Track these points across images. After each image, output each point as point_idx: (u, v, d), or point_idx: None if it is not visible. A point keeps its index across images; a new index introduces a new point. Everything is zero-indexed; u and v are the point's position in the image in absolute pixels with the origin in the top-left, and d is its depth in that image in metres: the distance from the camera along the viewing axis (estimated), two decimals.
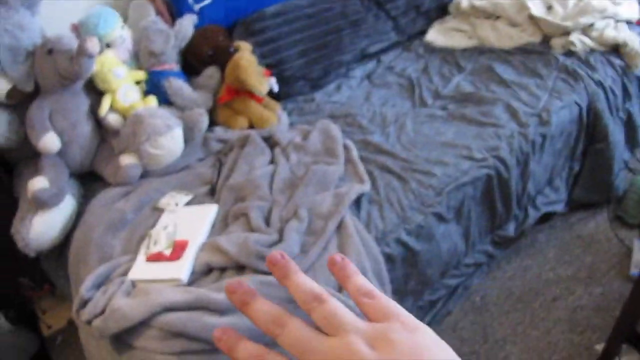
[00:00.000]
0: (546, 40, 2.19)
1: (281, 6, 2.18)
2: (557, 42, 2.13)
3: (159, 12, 2.11)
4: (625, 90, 2.11)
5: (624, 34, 2.09)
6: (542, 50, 2.15)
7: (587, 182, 2.18)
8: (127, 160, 1.78)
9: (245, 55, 1.97)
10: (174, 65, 2.02)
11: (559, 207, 2.14)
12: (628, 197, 2.25)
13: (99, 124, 1.89)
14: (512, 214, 1.95)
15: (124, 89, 1.89)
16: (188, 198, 1.71)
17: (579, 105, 1.98)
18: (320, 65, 2.18)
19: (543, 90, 1.99)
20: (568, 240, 2.19)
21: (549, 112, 1.91)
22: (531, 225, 2.06)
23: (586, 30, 2.12)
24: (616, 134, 2.12)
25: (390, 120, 1.99)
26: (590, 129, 2.05)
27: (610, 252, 2.14)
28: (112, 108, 1.88)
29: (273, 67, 2.09)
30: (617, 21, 2.16)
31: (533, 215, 2.04)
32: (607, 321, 1.92)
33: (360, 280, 0.41)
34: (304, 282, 0.40)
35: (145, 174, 1.81)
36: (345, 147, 1.83)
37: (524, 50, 2.18)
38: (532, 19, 2.20)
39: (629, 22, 2.19)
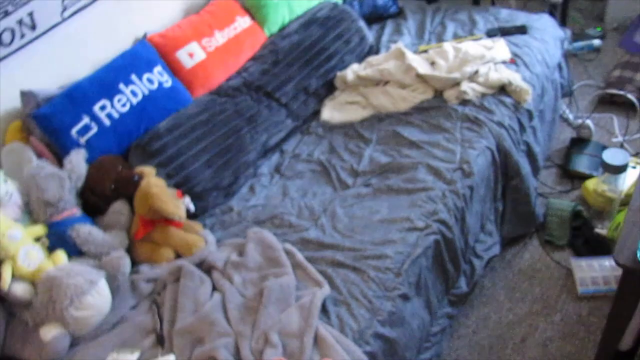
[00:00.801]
0: (439, 94, 2.26)
1: (173, 120, 2.08)
2: (450, 94, 2.21)
3: (39, 154, 1.92)
4: (520, 124, 2.22)
5: (505, 74, 2.22)
6: (439, 104, 2.22)
7: (512, 218, 2.25)
8: (50, 332, 1.57)
9: (152, 180, 1.85)
10: (75, 210, 1.84)
11: (497, 250, 2.18)
12: (549, 221, 2.35)
13: (1, 299, 1.65)
14: (460, 270, 1.96)
15: (24, 251, 1.67)
16: (135, 356, 1.53)
17: (489, 149, 2.05)
18: (228, 171, 2.09)
19: (454, 143, 2.04)
20: (512, 278, 2.23)
21: (469, 163, 1.95)
22: (481, 274, 2.07)
23: (472, 77, 2.22)
24: (525, 166, 2.21)
25: (318, 210, 1.93)
26: (503, 168, 2.13)
27: (553, 277, 2.20)
28: (15, 276, 1.65)
29: (182, 185, 1.97)
30: (496, 64, 2.28)
31: (479, 264, 2.06)
32: (578, 346, 1.97)
33: None
34: None
35: (75, 342, 1.60)
36: (287, 252, 1.74)
37: (422, 109, 2.23)
38: (420, 77, 2.27)
39: (504, 63, 2.32)
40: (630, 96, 2.80)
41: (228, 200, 2.10)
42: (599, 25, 3.54)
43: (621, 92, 2.84)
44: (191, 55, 2.26)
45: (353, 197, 1.96)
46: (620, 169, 2.22)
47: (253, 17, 2.51)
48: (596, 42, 3.34)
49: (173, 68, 2.23)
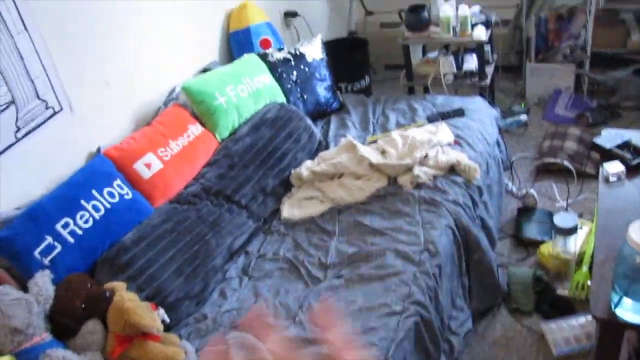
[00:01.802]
0: (393, 181, 2.38)
1: (138, 231, 2.09)
2: (404, 180, 2.33)
3: (0, 280, 1.88)
4: (473, 200, 2.35)
5: (453, 155, 2.38)
6: (395, 191, 2.33)
7: (479, 291, 2.33)
8: None
9: (125, 295, 1.83)
10: (45, 335, 1.78)
11: (470, 324, 2.25)
12: (513, 290, 2.46)
13: None
14: (441, 349, 2.00)
15: None
16: None
17: (450, 227, 2.16)
18: (198, 278, 2.09)
19: (416, 226, 2.14)
20: (488, 350, 2.28)
21: (433, 243, 2.04)
22: (460, 351, 2.12)
23: (423, 161, 2.36)
24: (483, 240, 2.32)
25: (294, 308, 1.95)
26: (464, 244, 2.23)
27: (527, 343, 2.28)
28: None
29: (154, 297, 1.96)
30: (442, 146, 2.44)
31: (457, 341, 2.11)
32: None
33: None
34: None
35: None
36: (272, 351, 1.73)
37: (379, 197, 2.34)
38: (373, 166, 2.39)
39: (449, 144, 2.49)
40: (566, 163, 3.02)
41: (200, 307, 2.09)
42: (522, 102, 3.84)
43: (558, 160, 3.06)
44: (148, 165, 2.30)
45: (327, 290, 2.00)
46: (571, 231, 2.38)
47: (204, 124, 2.59)
48: (523, 117, 3.61)
49: (132, 180, 2.26)
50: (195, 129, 2.56)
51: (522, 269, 2.54)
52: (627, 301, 1.45)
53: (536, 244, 2.68)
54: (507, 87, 4.10)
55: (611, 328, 1.53)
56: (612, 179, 1.97)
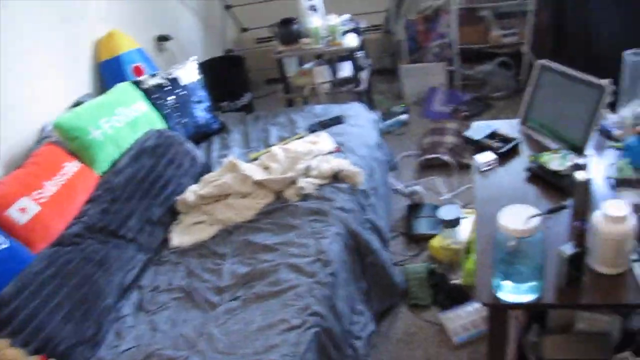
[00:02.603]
0: (279, 195, 2.41)
1: (17, 282, 1.99)
2: (290, 193, 2.37)
3: None
4: (360, 205, 2.42)
5: (335, 163, 2.44)
6: (282, 205, 2.36)
7: (377, 293, 2.40)
8: None
9: (8, 353, 1.74)
10: None
11: (372, 327, 2.31)
12: (410, 286, 2.55)
13: None
14: (345, 355, 2.04)
15: None
16: None
17: (339, 234, 2.22)
18: (89, 321, 2.02)
19: (306, 238, 2.18)
20: (393, 349, 2.35)
21: (325, 252, 2.09)
22: (365, 354, 2.17)
23: (306, 173, 2.41)
24: (375, 242, 2.40)
25: (193, 337, 1.93)
26: (356, 249, 2.30)
27: (429, 336, 2.37)
28: None
29: (43, 349, 1.87)
30: (324, 155, 2.50)
31: (360, 345, 2.16)
32: None
33: None
34: None
35: None
36: None
37: (267, 213, 2.36)
38: (258, 183, 2.41)
39: (331, 153, 2.55)
40: (444, 157, 3.18)
41: (96, 351, 2.02)
42: (401, 102, 4.00)
43: (436, 156, 3.21)
44: (23, 210, 2.20)
45: (224, 314, 1.99)
46: (456, 222, 2.50)
47: (81, 160, 2.51)
48: (403, 117, 3.77)
49: (6, 227, 2.15)
50: (72, 166, 2.48)
51: (417, 265, 2.64)
52: (507, 284, 1.54)
53: (428, 238, 2.79)
54: (385, 90, 4.26)
55: (497, 311, 1.63)
56: (484, 168, 2.09)
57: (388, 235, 2.67)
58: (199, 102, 3.08)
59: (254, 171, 2.48)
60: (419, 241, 2.83)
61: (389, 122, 3.72)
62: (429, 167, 3.31)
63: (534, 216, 1.44)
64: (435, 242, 2.69)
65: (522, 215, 1.46)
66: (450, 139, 3.37)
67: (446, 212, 2.49)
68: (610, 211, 1.50)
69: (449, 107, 3.89)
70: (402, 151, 3.52)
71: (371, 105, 3.69)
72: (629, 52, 2.14)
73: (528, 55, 3.96)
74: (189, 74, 3.09)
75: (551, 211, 1.75)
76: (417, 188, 3.01)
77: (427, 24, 4.20)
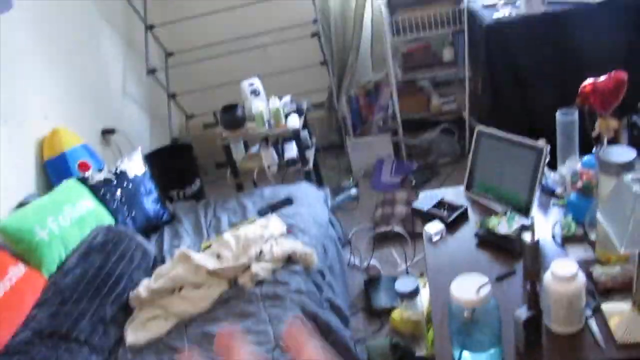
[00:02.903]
0: (234, 283, 2.39)
1: None
2: (244, 280, 2.36)
3: None
4: (316, 285, 2.42)
5: (287, 245, 2.46)
6: (237, 293, 2.34)
7: None
8: None
9: None
10: None
11: None
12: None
13: None
14: None
15: None
16: None
17: (298, 318, 2.20)
18: None
19: (264, 324, 2.16)
20: None
21: (283, 338, 2.06)
22: None
23: (259, 258, 2.41)
24: (334, 322, 2.39)
25: None
26: (316, 330, 2.27)
27: None
28: None
29: None
30: (276, 239, 2.51)
31: None
32: None
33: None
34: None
35: None
36: None
37: (223, 302, 2.34)
38: (212, 273, 2.40)
39: (282, 235, 2.57)
40: (397, 229, 3.23)
41: None
42: (350, 177, 4.08)
43: (389, 228, 3.26)
44: None
45: None
46: (413, 294, 2.52)
47: (27, 263, 2.46)
48: (353, 191, 3.83)
49: None
50: (18, 270, 2.42)
51: (379, 340, 2.63)
52: (466, 354, 1.55)
53: (388, 311, 2.79)
54: (334, 165, 4.34)
55: None
56: (434, 238, 2.13)
57: (347, 312, 2.67)
58: (148, 193, 3.08)
59: (206, 260, 2.46)
60: (380, 315, 2.83)
61: (339, 197, 3.77)
62: (383, 239, 3.34)
63: (484, 285, 1.47)
64: (396, 315, 2.69)
65: (473, 284, 1.49)
66: (401, 210, 3.43)
67: (403, 284, 2.51)
68: (559, 271, 1.55)
69: (398, 177, 3.98)
70: (355, 225, 3.56)
71: (320, 182, 3.75)
72: (559, 111, 2.25)
73: (469, 120, 4.12)
74: (135, 166, 3.10)
75: (500, 278, 1.79)
76: (373, 262, 3.03)
77: (369, 97, 4.34)
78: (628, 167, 1.68)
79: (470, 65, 3.98)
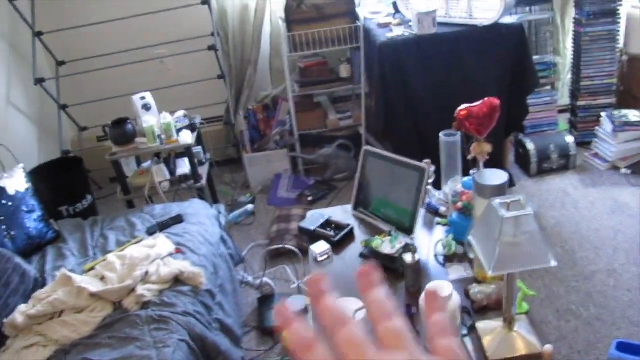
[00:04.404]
0: (118, 306, 2.32)
1: None
2: (129, 302, 2.30)
3: None
4: (205, 306, 2.40)
5: (175, 265, 2.42)
6: (121, 316, 2.28)
7: None
8: None
9: None
10: None
11: None
12: None
13: None
14: None
15: None
16: None
17: (183, 340, 2.17)
18: None
19: (148, 349, 2.11)
20: None
21: None
22: None
23: (145, 279, 2.35)
24: (224, 343, 2.37)
25: None
26: (204, 352, 2.25)
27: None
28: None
29: None
30: (163, 259, 2.47)
31: None
32: None
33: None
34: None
35: None
36: None
37: (106, 326, 2.26)
38: (95, 295, 2.32)
39: (170, 255, 2.52)
40: (289, 246, 3.25)
41: None
42: (248, 192, 4.07)
43: (281, 245, 3.28)
44: None
45: None
46: (302, 313, 2.54)
47: None
48: (250, 207, 3.82)
49: None
50: None
51: (271, 359, 2.63)
52: None
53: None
54: (230, 180, 4.32)
55: None
56: (320, 258, 2.17)
57: (240, 332, 2.65)
58: (30, 211, 2.94)
59: (90, 283, 2.38)
60: (273, 334, 2.84)
61: (235, 213, 3.76)
62: (277, 255, 3.35)
63: (359, 309, 1.51)
64: (287, 334, 2.70)
65: (349, 308, 1.52)
66: (296, 226, 3.45)
67: (292, 303, 2.53)
68: None
69: (295, 193, 4.01)
70: (250, 242, 3.55)
71: (215, 198, 3.72)
72: (443, 133, 2.35)
73: (365, 136, 4.23)
74: (16, 183, 2.95)
75: None
76: (266, 280, 3.03)
77: (267, 112, 4.36)
78: (499, 190, 1.78)
79: (367, 82, 4.09)
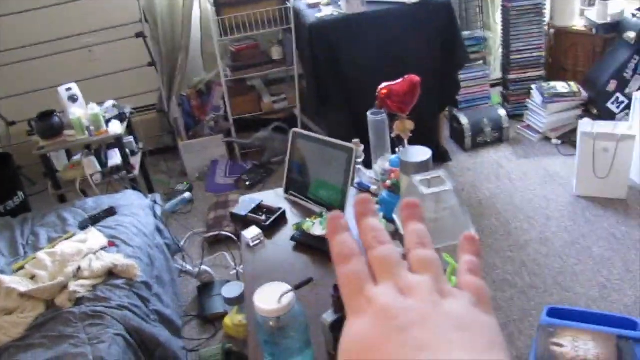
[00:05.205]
0: (51, 304, 2.29)
1: None
2: (62, 300, 2.26)
3: None
4: (141, 298, 2.39)
5: (108, 259, 2.39)
6: (54, 314, 2.24)
7: None
8: None
9: None
10: None
11: None
12: None
13: None
14: None
15: None
16: None
17: (119, 334, 2.16)
18: None
19: (83, 346, 2.08)
20: None
21: (103, 358, 2.02)
22: None
23: (78, 275, 2.33)
24: (162, 334, 2.37)
25: None
26: (142, 345, 2.25)
27: None
28: None
29: None
30: (96, 253, 2.44)
31: None
32: None
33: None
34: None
35: None
36: None
37: (39, 326, 2.21)
38: (25, 295, 2.28)
39: (104, 249, 2.50)
40: (225, 232, 3.26)
41: None
42: (185, 180, 4.04)
43: (217, 232, 3.28)
44: None
45: None
46: (239, 299, 2.57)
47: None
48: (187, 195, 3.80)
49: None
50: None
51: (211, 347, 2.65)
52: None
53: (222, 317, 2.82)
54: (167, 169, 4.28)
55: None
56: (252, 243, 2.17)
57: (180, 321, 2.65)
58: None
59: (19, 283, 2.33)
60: (214, 321, 2.85)
61: (173, 201, 3.72)
62: (216, 242, 3.36)
63: (285, 293, 1.53)
64: (228, 320, 2.72)
65: (276, 293, 1.54)
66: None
67: (229, 290, 2.55)
68: None
69: (232, 178, 4.00)
70: (189, 230, 3.54)
71: (150, 188, 3.68)
72: (370, 111, 2.38)
73: (301, 118, 4.24)
74: None
75: (298, 287, 1.86)
76: (204, 267, 3.03)
77: (201, 98, 4.32)
78: (423, 167, 1.82)
79: (300, 63, 4.10)
